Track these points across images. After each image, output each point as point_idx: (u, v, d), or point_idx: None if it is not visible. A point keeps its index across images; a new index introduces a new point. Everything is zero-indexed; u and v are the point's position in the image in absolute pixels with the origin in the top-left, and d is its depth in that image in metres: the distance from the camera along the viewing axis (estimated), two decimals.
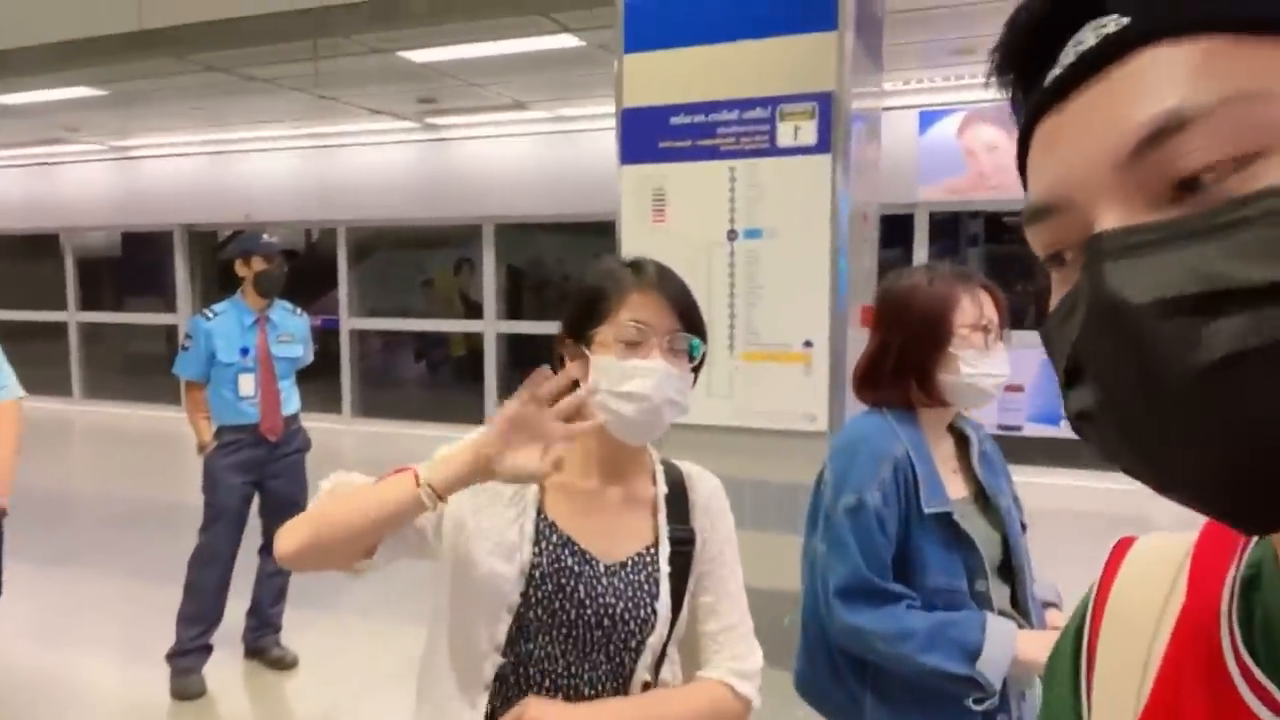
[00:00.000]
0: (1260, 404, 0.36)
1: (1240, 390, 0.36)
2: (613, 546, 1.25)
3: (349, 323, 8.87)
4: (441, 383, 10.22)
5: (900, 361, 1.58)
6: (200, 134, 8.47)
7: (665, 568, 1.25)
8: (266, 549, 3.72)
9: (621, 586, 1.22)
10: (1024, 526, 1.65)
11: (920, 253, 6.80)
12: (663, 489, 1.30)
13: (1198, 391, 0.36)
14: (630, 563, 1.25)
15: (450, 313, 9.47)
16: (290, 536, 1.12)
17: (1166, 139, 0.39)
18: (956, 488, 1.60)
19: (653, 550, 1.27)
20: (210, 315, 3.60)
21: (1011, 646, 1.45)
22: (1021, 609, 1.59)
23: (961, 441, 1.68)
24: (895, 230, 6.52)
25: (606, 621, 1.20)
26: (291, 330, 3.72)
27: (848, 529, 1.51)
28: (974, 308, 1.55)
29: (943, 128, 6.54)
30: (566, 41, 5.07)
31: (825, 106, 3.24)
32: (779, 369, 3.38)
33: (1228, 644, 0.46)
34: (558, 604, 1.18)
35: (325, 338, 9.08)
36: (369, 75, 5.96)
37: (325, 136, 8.35)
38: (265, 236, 3.66)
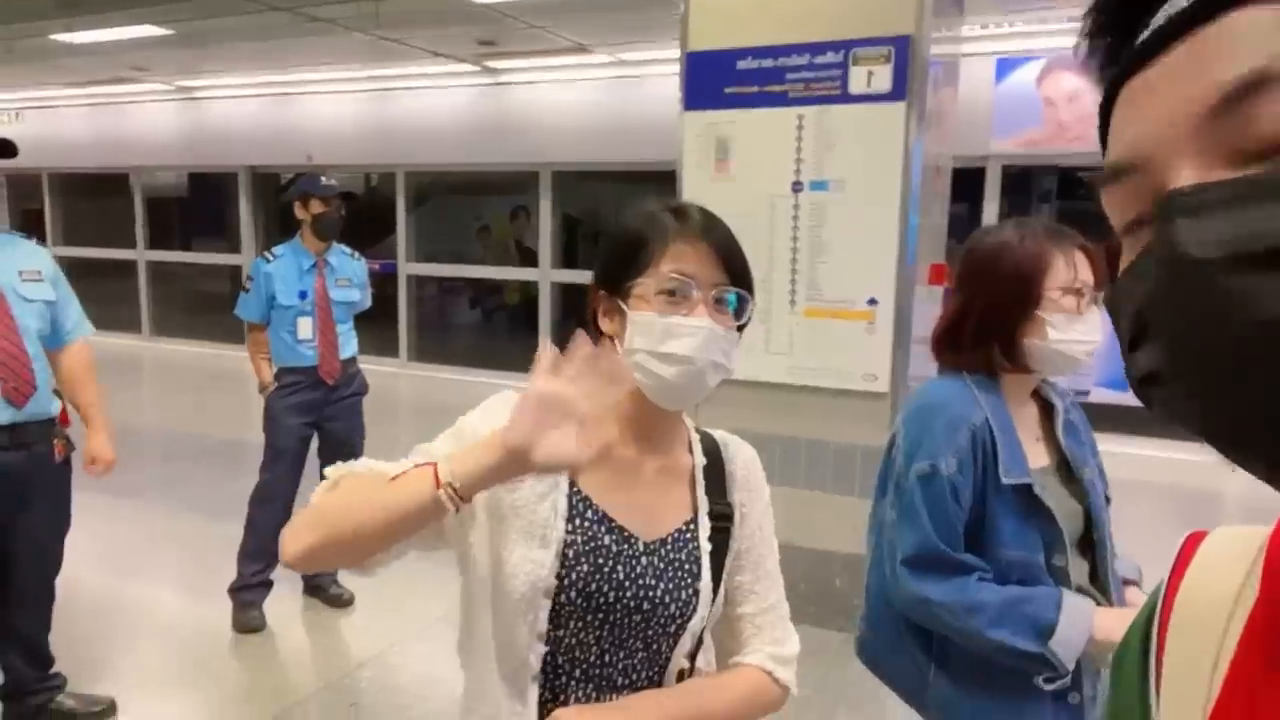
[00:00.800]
0: None
1: None
2: (651, 522, 1.14)
3: (406, 267, 8.93)
4: (496, 330, 10.28)
5: (983, 324, 1.50)
6: (264, 75, 8.52)
7: (706, 545, 1.16)
8: None
9: (662, 566, 1.12)
10: (1108, 500, 1.57)
11: (990, 208, 6.55)
12: (700, 459, 1.20)
13: (1266, 347, 0.37)
14: (670, 540, 1.14)
15: (506, 260, 9.48)
16: (296, 539, 0.99)
17: (1250, 98, 0.38)
18: (1038, 457, 1.52)
19: (691, 526, 1.16)
20: (270, 258, 3.62)
21: (1088, 626, 1.39)
22: (1101, 585, 1.52)
23: (1046, 408, 1.59)
24: (963, 184, 6.27)
25: (646, 605, 1.10)
26: (349, 274, 3.73)
27: (919, 496, 1.45)
28: (1068, 269, 1.46)
29: (1021, 76, 6.23)
30: None
31: (902, 51, 3.08)
32: (841, 326, 3.28)
33: None
34: (594, 586, 1.08)
35: (383, 282, 9.17)
36: (429, 16, 5.89)
37: (385, 79, 8.33)
38: (324, 179, 3.65)
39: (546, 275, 8.21)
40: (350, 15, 5.86)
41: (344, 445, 3.69)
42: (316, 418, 3.65)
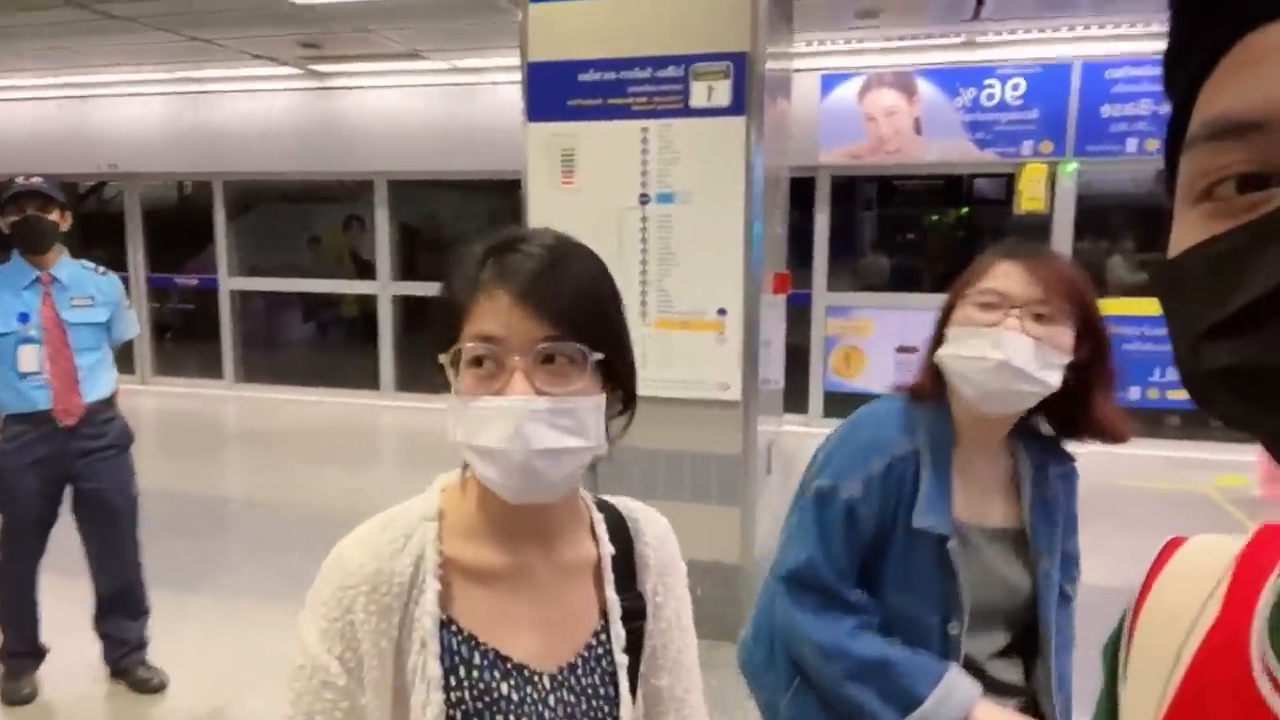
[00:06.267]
0: None
1: None
2: (553, 646, 0.91)
3: (229, 282, 8.35)
4: (332, 345, 9.81)
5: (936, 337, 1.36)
6: (58, 76, 7.72)
7: (621, 659, 0.94)
8: (96, 569, 3.12)
9: (573, 700, 0.91)
10: (1066, 598, 1.41)
11: (821, 217, 6.86)
12: (608, 548, 0.96)
13: None
14: (580, 663, 0.93)
15: (340, 272, 9.06)
16: None
17: None
18: (990, 513, 1.36)
19: (602, 637, 0.95)
20: None
21: (962, 716, 1.25)
22: (1040, 687, 1.37)
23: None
24: (794, 194, 6.55)
25: None
26: (90, 292, 3.05)
27: (812, 514, 1.35)
28: (996, 278, 1.27)
29: (844, 91, 6.57)
30: None
31: (739, 67, 3.15)
32: (692, 337, 3.31)
33: (1257, 652, 0.45)
34: None
35: (203, 298, 8.54)
36: (241, 15, 5.52)
37: (199, 81, 7.75)
38: (19, 180, 3.01)
39: (386, 287, 7.91)
40: (153, 13, 5.42)
41: (107, 511, 3.06)
42: (60, 473, 2.97)
